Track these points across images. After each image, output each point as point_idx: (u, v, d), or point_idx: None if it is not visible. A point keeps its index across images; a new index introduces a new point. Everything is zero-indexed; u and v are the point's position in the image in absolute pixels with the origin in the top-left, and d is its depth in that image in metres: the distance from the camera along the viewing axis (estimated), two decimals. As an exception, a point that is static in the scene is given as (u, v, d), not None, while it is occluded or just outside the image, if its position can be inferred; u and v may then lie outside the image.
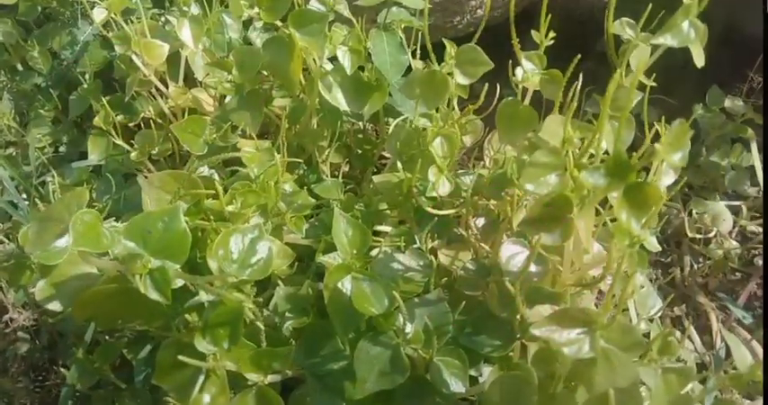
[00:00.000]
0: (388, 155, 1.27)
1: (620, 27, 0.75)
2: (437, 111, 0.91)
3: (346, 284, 0.68)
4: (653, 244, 0.80)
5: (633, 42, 0.75)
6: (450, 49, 0.75)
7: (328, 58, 1.09)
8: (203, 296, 0.61)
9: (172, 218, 0.61)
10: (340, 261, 0.73)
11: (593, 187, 0.56)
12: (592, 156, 0.65)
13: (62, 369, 0.83)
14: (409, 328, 0.67)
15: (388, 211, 1.00)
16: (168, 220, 0.61)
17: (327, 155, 1.12)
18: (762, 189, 1.24)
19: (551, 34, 0.79)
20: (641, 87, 0.81)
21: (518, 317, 0.65)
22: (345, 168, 1.26)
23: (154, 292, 0.60)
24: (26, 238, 0.83)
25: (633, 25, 0.75)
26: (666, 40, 0.69)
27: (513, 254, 0.69)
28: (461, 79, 0.76)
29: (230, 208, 0.71)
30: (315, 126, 1.14)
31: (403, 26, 1.09)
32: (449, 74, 0.77)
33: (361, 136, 1.27)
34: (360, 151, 1.25)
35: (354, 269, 0.69)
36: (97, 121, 1.05)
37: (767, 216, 1.22)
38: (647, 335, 0.81)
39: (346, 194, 1.03)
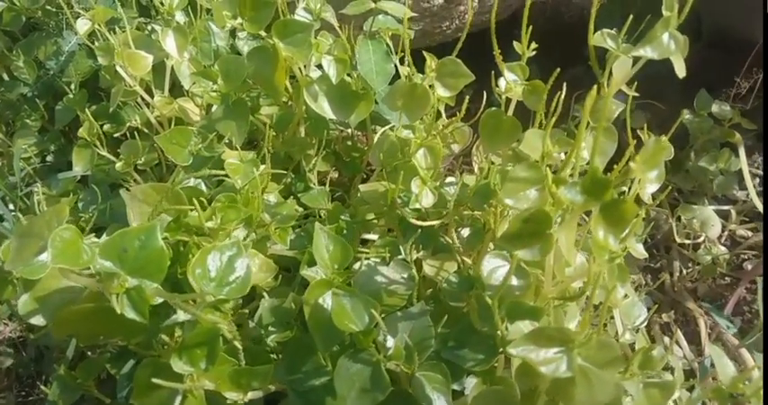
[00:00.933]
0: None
1: (601, 38, 0.74)
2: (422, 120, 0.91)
3: (327, 300, 0.68)
4: (640, 251, 0.80)
5: (614, 54, 0.75)
6: (431, 61, 0.75)
7: (315, 66, 1.08)
8: (180, 315, 0.61)
9: (148, 236, 0.60)
10: (321, 276, 0.72)
11: (571, 203, 0.56)
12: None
13: (43, 387, 0.82)
14: (391, 343, 0.67)
15: (376, 220, 1.00)
16: (145, 239, 0.60)
17: (315, 163, 1.12)
18: (750, 193, 1.24)
19: (533, 45, 0.78)
20: (627, 96, 0.81)
21: (499, 332, 0.65)
22: (334, 175, 1.26)
23: (131, 311, 0.59)
24: (7, 253, 0.82)
25: (614, 36, 0.75)
26: (647, 52, 0.68)
27: (494, 267, 0.69)
28: (442, 92, 0.76)
29: (210, 224, 0.71)
30: (302, 134, 1.14)
31: (390, 34, 1.09)
32: (430, 86, 0.76)
33: (349, 143, 1.27)
34: (348, 159, 1.25)
35: (335, 285, 0.68)
36: (82, 132, 1.05)
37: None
38: (632, 345, 0.81)
39: (334, 203, 1.03)
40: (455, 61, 0.75)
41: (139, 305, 0.59)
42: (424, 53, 0.76)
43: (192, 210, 0.80)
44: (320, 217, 1.02)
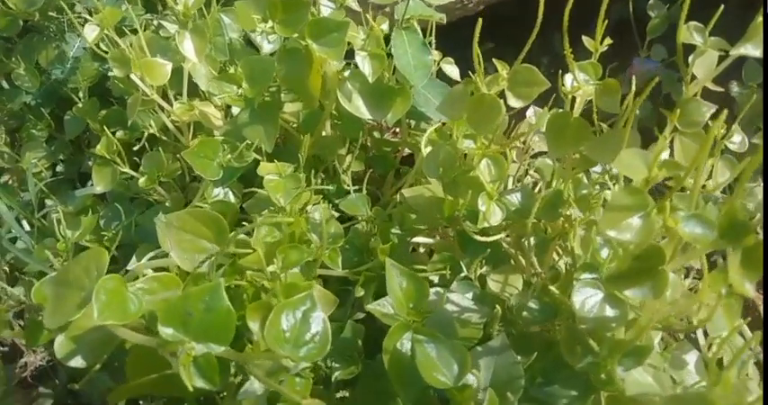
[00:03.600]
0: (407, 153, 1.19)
1: (687, 33, 0.66)
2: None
3: (405, 345, 0.61)
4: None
5: (701, 49, 0.67)
6: (502, 70, 0.67)
7: (341, 59, 1.00)
8: (257, 388, 0.54)
9: (213, 296, 0.53)
10: (392, 312, 0.66)
11: (695, 240, 0.50)
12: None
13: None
14: (479, 385, 0.61)
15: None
16: (210, 300, 0.53)
17: (349, 164, 1.04)
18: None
19: (608, 41, 0.70)
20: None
21: (603, 376, 0.59)
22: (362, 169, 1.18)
23: (200, 380, 0.53)
24: (41, 296, 0.75)
25: (702, 30, 0.67)
26: (747, 50, 0.61)
27: (586, 298, 0.62)
28: (514, 103, 0.68)
29: (271, 268, 0.64)
30: (328, 131, 1.06)
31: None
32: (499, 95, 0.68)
33: (377, 135, 1.19)
34: (379, 153, 1.17)
35: (412, 327, 0.62)
36: (99, 149, 0.96)
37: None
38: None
39: (375, 209, 0.96)
40: (530, 69, 0.67)
41: (208, 372, 0.53)
42: (495, 61, 0.68)
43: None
44: (362, 224, 0.95)
